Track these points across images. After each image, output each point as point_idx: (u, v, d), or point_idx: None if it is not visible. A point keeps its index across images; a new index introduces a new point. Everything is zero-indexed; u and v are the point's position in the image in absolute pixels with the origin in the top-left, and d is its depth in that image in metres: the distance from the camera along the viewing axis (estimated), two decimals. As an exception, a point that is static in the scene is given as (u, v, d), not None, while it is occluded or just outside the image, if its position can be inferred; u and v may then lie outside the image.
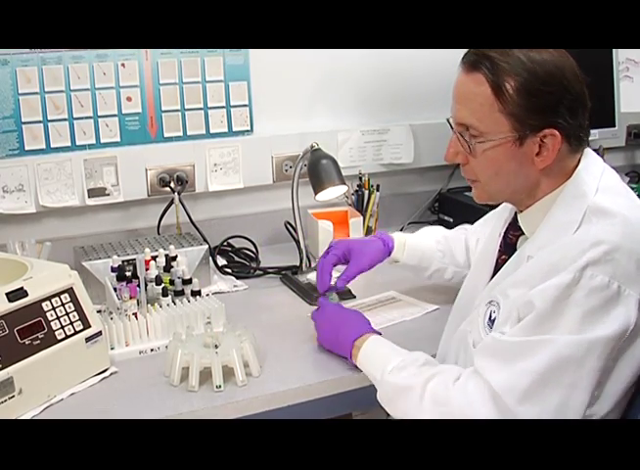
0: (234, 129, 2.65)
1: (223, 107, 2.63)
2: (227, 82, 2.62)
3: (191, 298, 2.05)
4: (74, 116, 2.42)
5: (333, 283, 2.02)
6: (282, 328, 2.05)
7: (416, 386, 1.54)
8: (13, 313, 1.66)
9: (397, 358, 1.64)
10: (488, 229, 1.88)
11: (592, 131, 2.86)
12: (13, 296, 1.67)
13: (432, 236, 2.18)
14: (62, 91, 2.40)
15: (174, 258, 2.17)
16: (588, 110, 1.57)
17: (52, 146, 2.40)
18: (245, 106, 2.65)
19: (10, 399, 1.60)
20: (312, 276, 2.27)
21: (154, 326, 1.92)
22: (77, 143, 2.44)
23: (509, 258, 1.67)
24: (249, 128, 2.67)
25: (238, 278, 2.42)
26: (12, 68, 2.32)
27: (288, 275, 2.40)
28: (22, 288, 1.69)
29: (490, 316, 1.61)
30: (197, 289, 2.08)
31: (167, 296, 2.03)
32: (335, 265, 2.04)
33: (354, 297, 2.23)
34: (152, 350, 1.91)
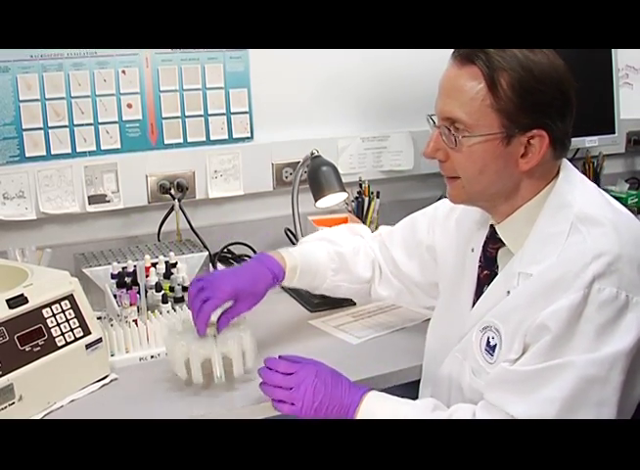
0: (234, 136, 2.65)
1: (223, 114, 2.63)
2: (227, 89, 2.62)
3: (191, 304, 2.04)
4: (75, 122, 2.43)
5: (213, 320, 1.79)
6: (282, 334, 2.05)
7: None
8: (13, 320, 1.66)
9: (405, 408, 1.55)
10: (444, 241, 1.84)
11: (592, 138, 2.93)
12: (13, 302, 1.67)
13: (324, 252, 1.98)
14: (62, 98, 2.40)
15: (174, 265, 2.17)
16: (574, 117, 1.55)
17: (52, 153, 2.40)
18: (245, 113, 2.66)
19: (10, 405, 1.60)
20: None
21: (154, 333, 1.92)
22: (78, 150, 2.44)
23: (491, 272, 1.64)
24: (249, 135, 2.68)
25: (238, 285, 2.41)
26: (12, 74, 2.32)
27: (288, 282, 2.40)
28: (22, 295, 1.70)
29: (488, 342, 1.56)
30: (197, 296, 2.08)
31: (167, 303, 2.03)
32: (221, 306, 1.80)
33: (354, 304, 2.23)
34: (152, 356, 1.91)
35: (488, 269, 1.66)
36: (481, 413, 1.47)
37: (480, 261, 1.68)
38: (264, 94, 2.67)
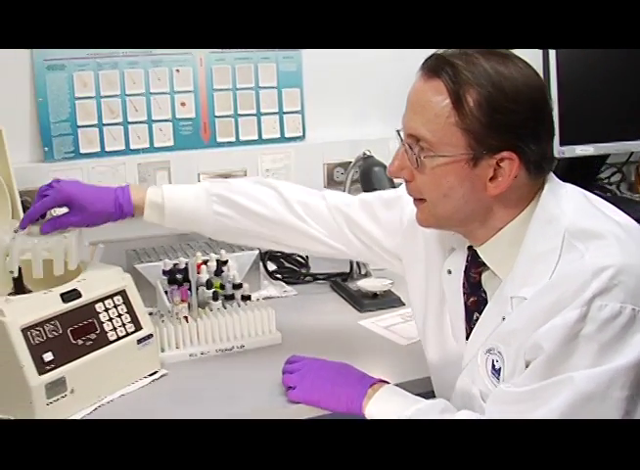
0: (286, 135, 2.66)
1: (276, 113, 2.64)
2: (280, 89, 2.63)
3: (241, 302, 2.05)
4: (129, 120, 2.45)
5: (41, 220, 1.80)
6: (331, 335, 2.04)
7: None
8: (66, 314, 1.68)
9: (415, 405, 1.51)
10: (408, 250, 1.73)
11: (635, 143, 2.84)
12: (67, 297, 1.69)
13: (201, 193, 1.82)
14: (117, 96, 2.43)
15: (225, 263, 2.18)
16: (553, 138, 1.45)
17: (106, 149, 2.43)
18: (297, 112, 2.66)
19: (62, 398, 1.62)
20: (362, 283, 2.26)
21: (204, 330, 1.93)
22: (131, 147, 2.47)
23: (479, 298, 1.55)
24: (301, 135, 2.68)
25: (288, 284, 2.42)
26: (69, 72, 2.36)
27: (338, 282, 2.40)
28: (75, 289, 1.72)
29: (493, 365, 1.46)
30: (247, 294, 2.08)
31: (218, 300, 2.04)
32: (54, 207, 1.80)
33: (403, 304, 2.22)
34: (202, 353, 1.92)
35: (475, 295, 1.56)
36: None
37: (464, 287, 1.58)
38: (317, 94, 2.67)
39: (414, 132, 1.44)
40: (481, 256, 1.52)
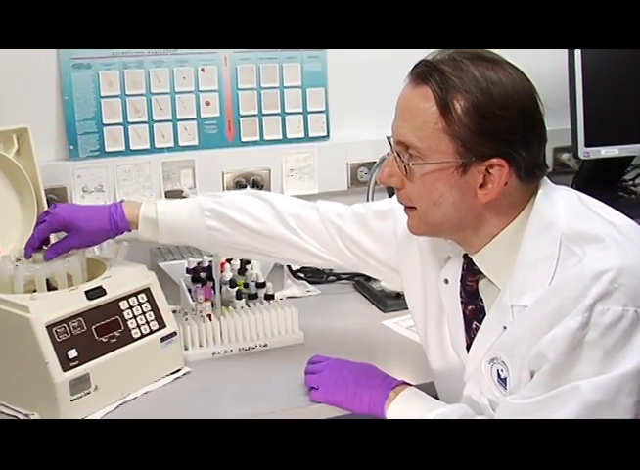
0: (310, 135, 2.66)
1: (300, 112, 2.64)
2: (305, 88, 2.63)
3: (264, 301, 2.06)
4: (154, 119, 2.46)
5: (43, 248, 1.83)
6: (353, 335, 2.04)
7: None
8: (91, 311, 1.69)
9: (436, 410, 1.50)
10: (405, 262, 1.71)
11: None
12: (92, 294, 1.70)
13: (194, 208, 1.82)
14: (142, 95, 2.44)
15: (249, 262, 2.19)
16: (545, 144, 1.43)
17: (131, 148, 2.44)
18: (322, 112, 2.66)
19: (86, 395, 1.64)
20: (385, 283, 2.26)
21: (227, 328, 1.93)
22: (156, 146, 2.47)
23: (476, 306, 1.52)
24: (325, 134, 2.68)
25: (311, 283, 2.43)
26: (95, 71, 2.37)
27: (361, 281, 2.39)
28: (100, 287, 1.73)
29: (499, 374, 1.44)
30: (270, 293, 2.10)
31: (241, 299, 2.05)
32: (51, 233, 1.82)
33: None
34: (225, 351, 1.92)
35: (472, 304, 1.54)
36: None
37: (461, 296, 1.56)
38: (341, 93, 2.67)
39: (403, 139, 1.43)
40: (477, 263, 1.50)
